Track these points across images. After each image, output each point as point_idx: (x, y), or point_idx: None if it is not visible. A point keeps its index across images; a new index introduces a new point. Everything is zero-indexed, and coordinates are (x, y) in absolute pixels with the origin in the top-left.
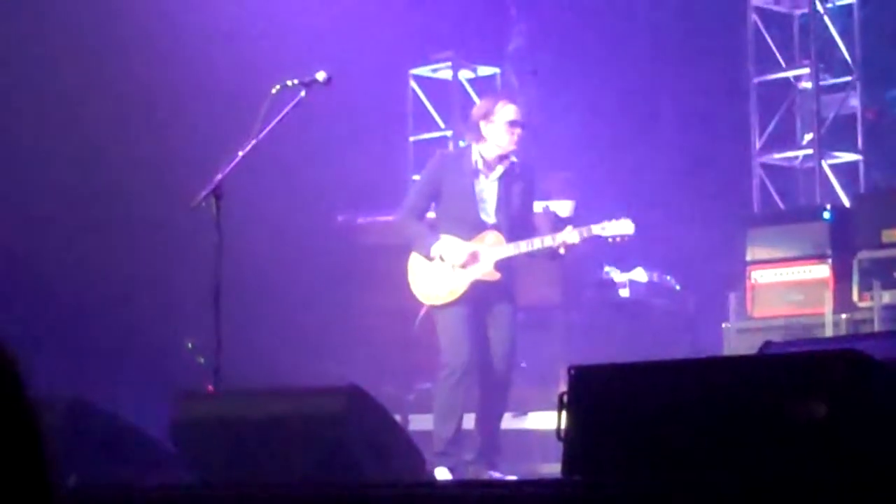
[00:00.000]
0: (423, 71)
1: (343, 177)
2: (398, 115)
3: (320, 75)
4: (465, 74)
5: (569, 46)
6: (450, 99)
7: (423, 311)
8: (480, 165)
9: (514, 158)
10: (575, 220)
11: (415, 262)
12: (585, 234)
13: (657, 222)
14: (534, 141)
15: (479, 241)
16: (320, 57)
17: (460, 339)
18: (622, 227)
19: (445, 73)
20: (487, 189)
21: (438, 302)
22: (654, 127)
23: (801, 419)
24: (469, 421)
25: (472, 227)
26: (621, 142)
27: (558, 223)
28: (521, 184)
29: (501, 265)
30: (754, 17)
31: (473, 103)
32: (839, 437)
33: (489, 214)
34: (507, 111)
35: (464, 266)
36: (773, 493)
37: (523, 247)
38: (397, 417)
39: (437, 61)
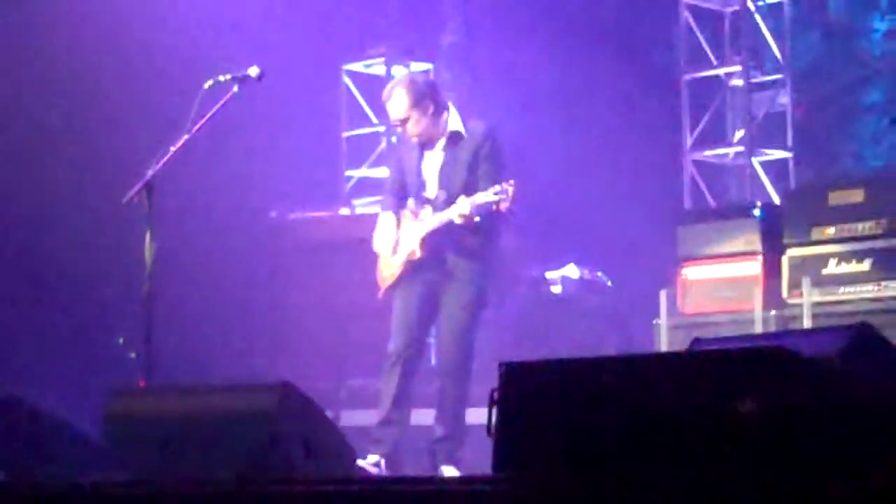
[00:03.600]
0: (357, 66)
1: (276, 172)
2: (331, 110)
3: (253, 71)
4: (398, 70)
5: (502, 42)
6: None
7: (379, 295)
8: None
9: (457, 129)
10: (508, 217)
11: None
12: (478, 202)
13: (589, 219)
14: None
15: (418, 219)
16: (253, 52)
17: (398, 326)
18: (503, 194)
19: (379, 69)
20: (432, 163)
21: (384, 285)
22: (586, 124)
23: (730, 416)
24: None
25: (418, 204)
26: (553, 138)
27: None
28: (467, 151)
29: (433, 242)
30: (686, 13)
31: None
32: (768, 433)
33: (431, 189)
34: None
35: (392, 252)
36: (702, 490)
37: (436, 220)
38: (329, 413)
39: (371, 57)
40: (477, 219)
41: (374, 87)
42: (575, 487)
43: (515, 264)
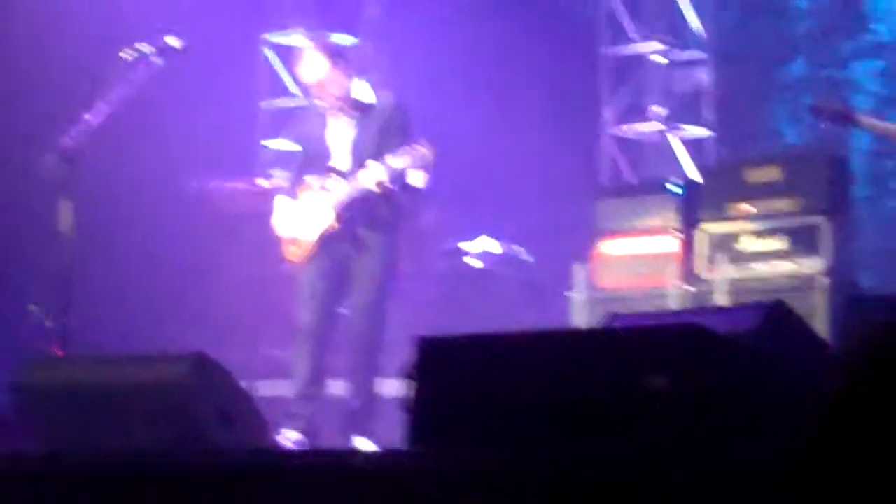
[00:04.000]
0: (277, 37)
1: (194, 142)
2: (250, 80)
3: (174, 41)
4: None
5: (422, 16)
6: None
7: (289, 269)
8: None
9: (366, 99)
10: (428, 192)
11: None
12: (394, 166)
13: (508, 193)
14: None
15: (325, 190)
16: (173, 21)
17: (306, 297)
18: (420, 154)
19: (299, 40)
20: (341, 133)
21: (296, 259)
22: (506, 98)
23: (644, 393)
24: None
25: (323, 174)
26: (475, 111)
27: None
28: (377, 121)
29: (346, 213)
30: None
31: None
32: (680, 411)
33: (340, 160)
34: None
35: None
36: (616, 465)
37: (350, 189)
38: (245, 384)
39: (292, 27)
40: (390, 186)
41: (293, 57)
42: (490, 463)
43: (433, 237)
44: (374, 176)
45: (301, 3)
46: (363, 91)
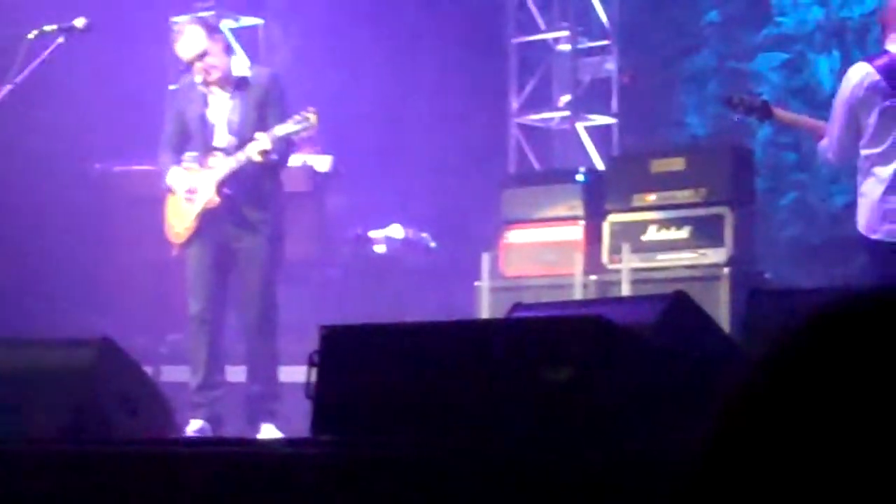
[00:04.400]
0: (185, 19)
1: (101, 125)
2: (158, 62)
3: (79, 22)
4: (227, 24)
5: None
6: None
7: (174, 252)
8: (208, 87)
9: (243, 74)
10: (334, 176)
11: (168, 199)
12: (279, 134)
13: (415, 179)
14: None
15: (206, 168)
16: (79, 2)
17: (194, 284)
18: (304, 122)
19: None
20: (220, 109)
21: (178, 240)
22: (413, 85)
23: (546, 384)
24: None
25: (204, 152)
26: (383, 97)
27: (316, 178)
28: (255, 96)
29: (227, 190)
30: None
31: (234, 52)
32: (581, 402)
33: (220, 136)
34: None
35: (187, 200)
36: (516, 456)
37: (232, 162)
38: (149, 369)
39: (200, 10)
40: (275, 157)
41: (173, 35)
42: (392, 451)
43: (339, 223)
44: (259, 146)
45: None
46: (240, 66)
